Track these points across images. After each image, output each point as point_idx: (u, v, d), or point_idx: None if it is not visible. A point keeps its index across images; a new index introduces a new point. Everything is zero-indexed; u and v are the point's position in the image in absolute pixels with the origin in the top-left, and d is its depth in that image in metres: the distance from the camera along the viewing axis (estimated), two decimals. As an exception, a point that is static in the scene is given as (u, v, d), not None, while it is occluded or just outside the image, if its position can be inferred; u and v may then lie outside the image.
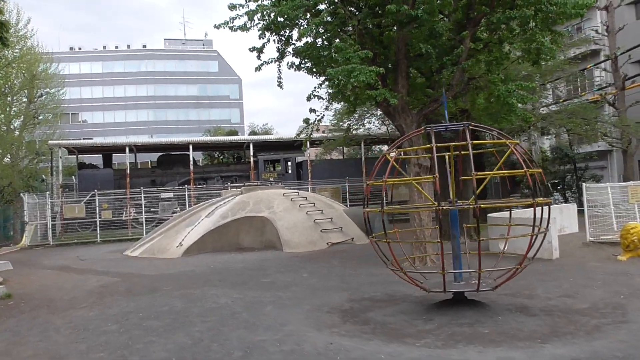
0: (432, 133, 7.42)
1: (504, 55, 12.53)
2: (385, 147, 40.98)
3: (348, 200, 28.27)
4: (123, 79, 73.36)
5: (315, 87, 14.87)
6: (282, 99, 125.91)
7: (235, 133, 47.90)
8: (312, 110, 13.93)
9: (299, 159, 32.05)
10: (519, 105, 12.26)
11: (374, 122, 29.60)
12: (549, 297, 8.26)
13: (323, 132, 28.54)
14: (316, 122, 14.17)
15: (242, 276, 12.11)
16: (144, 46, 77.10)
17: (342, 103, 20.58)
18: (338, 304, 8.66)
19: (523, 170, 7.53)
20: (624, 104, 24.85)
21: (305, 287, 10.26)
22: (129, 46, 77.09)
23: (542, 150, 31.35)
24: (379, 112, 26.70)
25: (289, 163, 30.89)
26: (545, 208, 7.21)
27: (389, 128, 29.59)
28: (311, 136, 16.11)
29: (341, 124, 26.80)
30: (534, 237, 6.99)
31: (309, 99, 15.47)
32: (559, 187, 28.92)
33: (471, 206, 7.42)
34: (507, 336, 6.26)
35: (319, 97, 13.29)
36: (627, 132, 23.60)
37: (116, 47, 76.41)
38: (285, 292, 9.90)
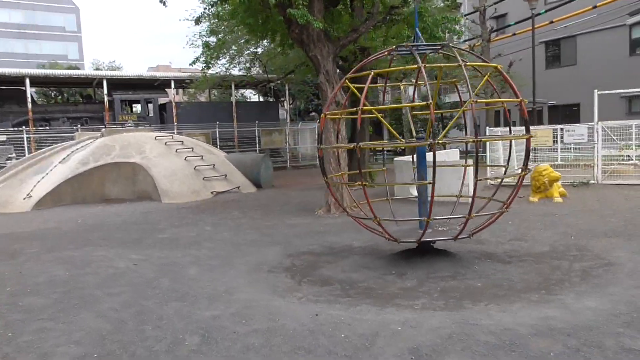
0: (414, 52, 6.09)
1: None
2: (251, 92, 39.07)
3: (219, 147, 26.19)
4: None
5: (206, 9, 12.67)
6: (132, 36, 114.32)
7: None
8: (206, 47, 11.75)
9: (162, 100, 28.81)
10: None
11: (244, 64, 27.47)
12: (500, 242, 7.69)
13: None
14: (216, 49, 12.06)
15: (129, 232, 9.95)
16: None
17: (222, 36, 18.33)
18: (276, 261, 7.20)
19: (500, 100, 6.66)
20: (489, 56, 25.99)
21: (222, 243, 8.58)
22: None
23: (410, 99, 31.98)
24: (249, 53, 24.72)
25: (151, 105, 27.56)
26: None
27: (261, 71, 27.69)
28: (207, 69, 13.91)
29: (215, 62, 24.30)
30: (522, 178, 6.19)
31: (197, 22, 13.19)
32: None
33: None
34: (505, 289, 5.41)
35: (215, 17, 11.17)
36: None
37: None
38: (199, 249, 8.13)
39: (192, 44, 24.75)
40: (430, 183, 5.75)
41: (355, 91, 6.63)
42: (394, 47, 6.44)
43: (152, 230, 10.13)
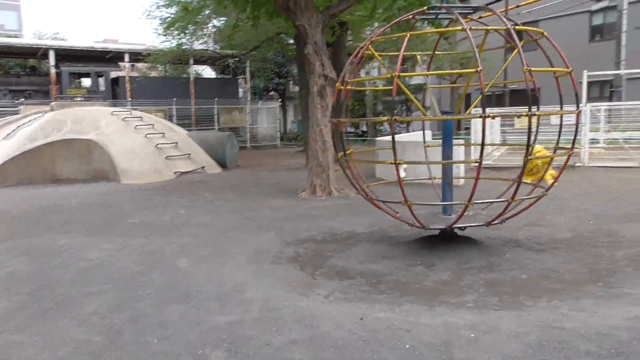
0: (455, 12, 5.27)
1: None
2: (205, 67, 37.20)
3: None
4: None
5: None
6: (77, 7, 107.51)
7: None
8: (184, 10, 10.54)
9: (115, 74, 26.84)
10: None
11: (206, 38, 25.93)
12: (516, 227, 7.08)
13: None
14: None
15: (92, 216, 8.77)
16: None
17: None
18: (275, 249, 6.32)
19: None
20: (455, 38, 25.59)
21: (203, 228, 7.59)
22: None
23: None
24: (213, 26, 23.30)
25: (102, 78, 25.60)
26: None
27: (220, 47, 26.18)
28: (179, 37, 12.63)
29: (184, 34, 22.73)
30: (568, 157, 5.55)
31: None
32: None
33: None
34: (555, 281, 4.76)
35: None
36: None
37: None
38: (181, 236, 7.12)
39: (149, 14, 23.08)
40: (451, 163, 5.00)
41: (378, 57, 5.78)
42: (423, 9, 5.61)
43: (119, 213, 8.99)
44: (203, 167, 15.65)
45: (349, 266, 5.55)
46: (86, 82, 26.65)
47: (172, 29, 22.71)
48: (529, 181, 10.80)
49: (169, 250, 6.36)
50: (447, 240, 5.99)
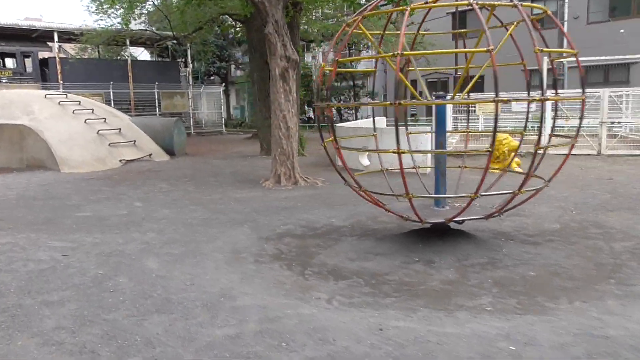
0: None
1: None
2: (141, 50, 35.30)
3: (114, 110, 23.21)
4: None
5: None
6: None
7: None
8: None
9: (44, 55, 24.83)
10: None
11: (144, 18, 24.49)
12: (500, 219, 6.85)
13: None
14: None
15: (34, 211, 7.82)
16: None
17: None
18: (254, 246, 5.74)
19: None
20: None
21: (168, 223, 6.87)
22: None
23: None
24: (151, 4, 21.95)
25: (29, 59, 23.61)
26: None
27: (156, 28, 24.78)
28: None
29: (110, 11, 21.20)
30: (571, 147, 5.31)
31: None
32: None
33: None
34: (566, 279, 4.49)
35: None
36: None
37: None
38: (143, 232, 6.38)
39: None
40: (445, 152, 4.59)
41: (368, 35, 5.30)
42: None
43: (65, 207, 8.07)
44: (150, 155, 14.67)
45: (341, 264, 5.07)
46: (9, 63, 24.48)
47: (107, 6, 21.24)
48: (496, 169, 10.75)
49: (132, 248, 5.64)
50: (440, 233, 5.65)
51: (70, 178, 11.37)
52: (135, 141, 14.73)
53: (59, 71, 23.50)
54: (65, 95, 15.40)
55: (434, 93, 6.04)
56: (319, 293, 4.28)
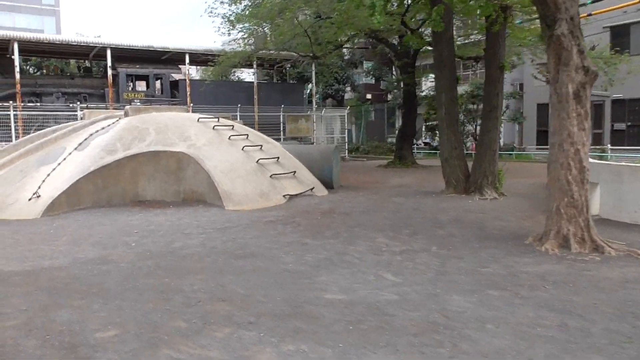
0: None
1: None
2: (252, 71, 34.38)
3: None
4: None
5: None
6: (119, 15, 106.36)
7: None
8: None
9: (175, 76, 24.12)
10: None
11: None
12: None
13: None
14: None
15: (249, 282, 5.76)
16: None
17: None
18: None
19: None
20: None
21: (510, 334, 4.47)
22: None
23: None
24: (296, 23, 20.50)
25: (161, 81, 22.90)
26: None
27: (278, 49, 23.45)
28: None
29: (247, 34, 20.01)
30: None
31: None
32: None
33: None
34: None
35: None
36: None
37: None
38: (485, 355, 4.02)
39: (212, 12, 20.53)
40: None
41: None
42: None
43: (286, 274, 5.91)
44: (312, 189, 12.67)
45: None
46: (140, 85, 23.98)
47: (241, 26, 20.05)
48: None
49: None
50: None
51: (243, 218, 9.52)
52: (295, 172, 12.81)
53: (188, 93, 22.58)
54: (216, 119, 13.84)
55: None
56: None
